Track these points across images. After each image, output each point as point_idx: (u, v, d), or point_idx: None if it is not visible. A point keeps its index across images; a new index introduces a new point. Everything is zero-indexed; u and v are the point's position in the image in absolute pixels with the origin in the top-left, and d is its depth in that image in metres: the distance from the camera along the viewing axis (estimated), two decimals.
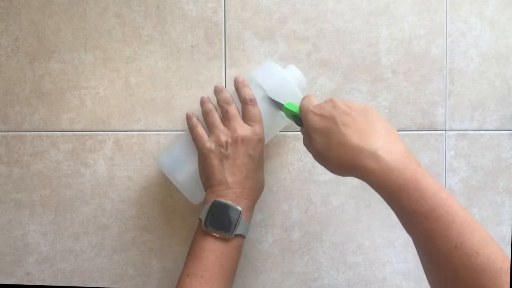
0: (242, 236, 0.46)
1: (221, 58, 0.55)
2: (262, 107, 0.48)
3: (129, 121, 0.56)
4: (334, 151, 0.38)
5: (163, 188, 0.56)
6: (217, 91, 0.50)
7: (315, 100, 0.43)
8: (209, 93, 0.55)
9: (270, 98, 0.48)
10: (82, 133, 0.56)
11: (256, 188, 0.47)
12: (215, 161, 0.46)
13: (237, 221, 0.44)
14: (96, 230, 0.56)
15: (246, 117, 0.47)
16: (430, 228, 0.34)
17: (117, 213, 0.56)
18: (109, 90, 0.56)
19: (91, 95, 0.56)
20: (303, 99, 0.44)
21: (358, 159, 0.36)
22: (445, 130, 0.55)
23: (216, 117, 0.48)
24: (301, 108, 0.43)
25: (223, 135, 0.46)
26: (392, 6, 0.54)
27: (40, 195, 0.56)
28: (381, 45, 0.54)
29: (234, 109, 0.48)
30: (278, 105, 0.48)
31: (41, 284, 0.57)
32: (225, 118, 0.48)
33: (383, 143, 0.36)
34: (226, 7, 0.55)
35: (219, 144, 0.46)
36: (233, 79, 0.50)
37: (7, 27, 0.56)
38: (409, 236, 0.55)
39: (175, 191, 0.55)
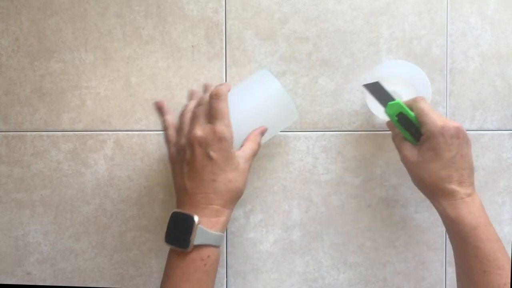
0: (210, 246, 0.42)
1: (221, 58, 0.55)
2: (260, 106, 0.47)
3: (129, 121, 0.56)
4: (433, 179, 0.45)
5: (164, 188, 0.56)
6: (203, 90, 0.50)
7: (442, 116, 0.45)
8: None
9: (382, 87, 0.47)
10: (83, 133, 0.56)
11: (222, 191, 0.43)
12: (176, 166, 0.45)
13: (193, 232, 0.41)
14: (96, 230, 0.56)
15: (210, 115, 0.44)
16: (487, 265, 0.42)
17: (117, 213, 0.56)
18: (110, 90, 0.56)
19: (92, 95, 0.56)
20: (422, 103, 0.45)
21: (447, 197, 0.45)
22: None
23: (185, 118, 0.46)
24: (430, 113, 0.44)
25: (183, 138, 0.44)
26: (393, 6, 0.54)
27: (41, 195, 0.56)
28: (381, 45, 0.54)
29: (200, 110, 0.44)
30: (385, 97, 0.47)
31: (41, 284, 0.57)
32: (190, 118, 0.45)
33: (471, 193, 0.45)
34: (227, 7, 0.55)
35: (179, 147, 0.44)
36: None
37: (8, 27, 0.56)
38: (409, 236, 0.55)
39: None
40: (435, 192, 0.45)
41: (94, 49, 0.56)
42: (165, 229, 0.56)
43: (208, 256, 0.43)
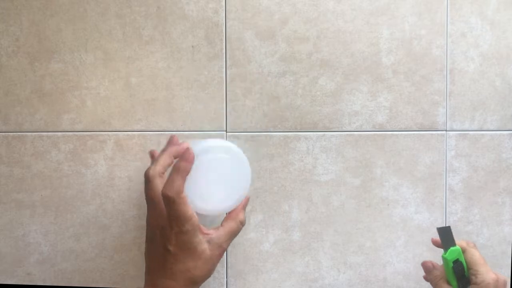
0: None
1: (221, 58, 0.55)
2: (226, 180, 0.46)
3: (129, 121, 0.56)
4: None
5: None
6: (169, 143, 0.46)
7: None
8: (209, 93, 0.55)
9: (450, 232, 0.47)
10: (83, 133, 0.56)
11: (180, 279, 0.42)
12: (147, 248, 0.46)
13: None
14: (97, 230, 0.56)
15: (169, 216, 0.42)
16: None
17: (117, 214, 0.56)
18: (110, 90, 0.56)
19: (92, 96, 0.56)
20: (476, 250, 0.46)
21: None
22: (446, 130, 0.55)
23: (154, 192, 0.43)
24: (482, 267, 0.45)
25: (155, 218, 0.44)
26: (393, 6, 0.54)
27: (41, 195, 0.56)
28: (381, 45, 0.54)
29: (157, 198, 0.43)
30: (450, 242, 0.47)
31: (42, 284, 0.57)
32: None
33: None
34: (227, 7, 0.55)
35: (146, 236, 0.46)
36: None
37: (8, 27, 0.56)
38: (409, 236, 0.55)
39: None
40: None
41: (94, 50, 0.56)
42: None
43: None
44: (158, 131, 0.55)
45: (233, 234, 0.46)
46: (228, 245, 0.45)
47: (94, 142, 0.56)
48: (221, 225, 0.46)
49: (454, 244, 0.46)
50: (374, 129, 0.54)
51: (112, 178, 0.56)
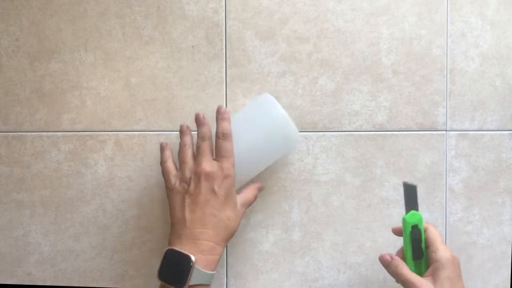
0: (202, 285, 0.43)
1: (221, 58, 0.55)
2: (262, 133, 0.47)
3: (129, 121, 0.56)
4: None
5: (164, 188, 0.55)
6: (197, 123, 0.48)
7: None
8: (209, 93, 0.55)
9: (416, 193, 0.47)
10: (83, 133, 0.56)
11: (220, 228, 0.44)
12: (176, 198, 0.45)
13: (190, 272, 0.41)
14: (96, 230, 0.56)
15: (216, 152, 0.46)
16: None
17: (117, 214, 0.56)
18: (110, 90, 0.56)
19: (92, 96, 0.56)
20: (435, 228, 0.46)
21: None
22: (446, 130, 0.55)
23: (187, 153, 0.47)
24: (439, 245, 0.44)
25: (188, 171, 0.45)
26: (393, 6, 0.54)
27: (41, 195, 0.56)
28: (381, 45, 0.54)
29: (206, 145, 0.46)
30: (412, 203, 0.46)
31: (42, 284, 0.57)
32: (196, 153, 0.46)
33: None
34: (227, 7, 0.55)
35: (183, 180, 0.45)
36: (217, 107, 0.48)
37: (8, 27, 0.56)
38: None
39: None
40: None
41: (94, 50, 0.56)
42: (165, 229, 0.56)
43: None
44: (158, 131, 0.55)
45: (249, 203, 0.49)
46: (244, 212, 0.48)
47: (94, 142, 0.56)
48: (241, 192, 0.49)
49: (416, 208, 0.46)
50: (374, 129, 0.54)
51: (112, 178, 0.56)
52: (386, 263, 0.46)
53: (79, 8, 0.56)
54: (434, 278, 0.43)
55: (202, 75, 0.55)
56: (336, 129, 0.55)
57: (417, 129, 0.54)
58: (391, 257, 0.45)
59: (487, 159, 0.55)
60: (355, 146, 0.55)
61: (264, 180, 0.55)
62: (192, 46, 0.55)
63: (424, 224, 0.46)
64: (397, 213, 0.55)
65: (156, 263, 0.56)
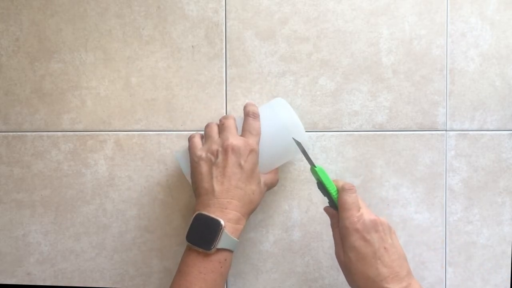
0: (227, 250, 0.44)
1: (221, 58, 0.55)
2: (272, 133, 0.48)
3: (129, 121, 0.56)
4: (363, 280, 0.42)
5: (164, 188, 0.56)
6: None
7: (358, 202, 0.44)
8: (209, 93, 0.55)
9: (304, 149, 0.47)
10: (83, 133, 0.56)
11: (245, 200, 0.46)
12: (204, 169, 0.46)
13: (219, 235, 0.43)
14: (96, 230, 0.56)
15: (244, 128, 0.48)
16: None
17: (117, 213, 0.56)
18: (110, 90, 0.56)
19: (92, 95, 0.56)
20: (348, 195, 0.44)
21: None
22: (446, 130, 0.55)
23: (213, 128, 0.48)
24: (345, 211, 0.44)
25: (215, 144, 0.46)
26: (393, 6, 0.54)
27: (41, 195, 0.57)
28: (381, 45, 0.54)
29: (230, 122, 0.48)
30: (309, 161, 0.47)
31: (42, 284, 0.57)
32: (221, 129, 0.48)
33: (406, 285, 0.42)
34: (227, 7, 0.55)
35: (210, 152, 0.46)
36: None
37: (8, 27, 0.56)
38: (409, 236, 0.55)
39: (176, 191, 0.55)
40: None
41: (94, 50, 0.56)
42: (165, 229, 0.56)
43: (225, 260, 0.44)
44: (158, 131, 0.55)
45: (272, 185, 0.51)
46: (264, 193, 0.49)
47: (94, 142, 0.56)
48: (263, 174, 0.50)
49: (313, 164, 0.46)
50: (374, 129, 0.54)
51: (112, 178, 0.56)
52: (332, 215, 0.47)
53: (79, 8, 0.56)
54: (343, 249, 0.44)
55: (202, 75, 0.55)
56: (336, 129, 0.55)
57: (417, 129, 0.54)
58: (333, 213, 0.47)
59: (487, 159, 0.55)
60: (355, 146, 0.55)
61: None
62: (192, 46, 0.55)
63: (338, 188, 0.45)
64: (397, 213, 0.55)
65: (156, 263, 0.56)
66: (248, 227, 0.55)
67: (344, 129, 0.55)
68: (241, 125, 0.48)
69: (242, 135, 0.47)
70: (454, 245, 0.55)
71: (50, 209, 0.57)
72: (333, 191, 0.46)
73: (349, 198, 0.44)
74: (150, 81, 0.55)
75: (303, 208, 0.55)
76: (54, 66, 0.56)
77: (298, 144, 0.47)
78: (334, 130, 0.55)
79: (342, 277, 0.55)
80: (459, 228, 0.55)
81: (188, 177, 0.49)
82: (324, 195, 0.47)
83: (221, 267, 0.44)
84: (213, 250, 0.43)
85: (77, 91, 0.56)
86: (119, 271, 0.56)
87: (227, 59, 0.55)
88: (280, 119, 0.48)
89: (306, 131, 0.55)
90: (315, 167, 0.46)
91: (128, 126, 0.56)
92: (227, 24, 0.55)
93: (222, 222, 0.43)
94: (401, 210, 0.55)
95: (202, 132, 0.50)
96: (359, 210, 0.44)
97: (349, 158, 0.55)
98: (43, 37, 0.56)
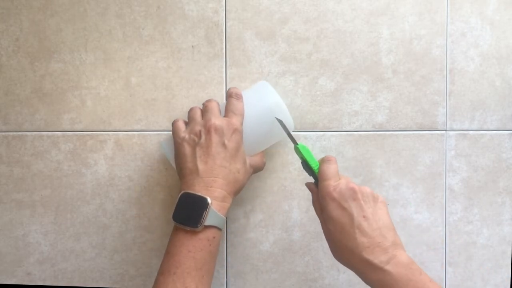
0: (215, 228, 0.44)
1: (221, 58, 0.55)
2: (256, 114, 0.48)
3: (129, 121, 0.56)
4: (344, 252, 0.42)
5: (164, 188, 0.56)
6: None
7: (336, 172, 0.44)
8: (209, 93, 0.55)
9: (287, 130, 0.47)
10: (83, 133, 0.56)
11: (230, 179, 0.45)
12: (187, 150, 0.46)
13: (206, 212, 0.43)
14: (96, 230, 0.56)
15: (227, 109, 0.47)
16: None
17: (117, 213, 0.56)
18: (110, 90, 0.56)
19: (92, 95, 0.56)
20: (326, 165, 0.44)
21: (365, 269, 0.40)
22: (446, 130, 0.55)
23: (196, 111, 0.48)
24: (322, 181, 0.43)
25: (198, 125, 0.46)
26: (393, 6, 0.54)
27: (41, 195, 0.57)
28: (381, 45, 0.54)
29: (213, 104, 0.48)
30: (292, 140, 0.47)
31: (42, 284, 0.57)
32: (204, 111, 0.48)
33: (391, 256, 0.40)
34: (227, 7, 0.55)
35: (193, 133, 0.46)
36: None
37: (8, 27, 0.56)
38: (409, 236, 0.55)
39: (176, 191, 0.55)
40: (351, 265, 0.42)
41: (94, 49, 0.56)
42: (165, 229, 0.56)
43: (214, 237, 0.44)
44: (158, 131, 0.55)
45: (258, 168, 0.51)
46: (250, 174, 0.49)
47: (94, 142, 0.56)
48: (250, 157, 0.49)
49: (295, 142, 0.46)
50: (374, 129, 0.54)
51: (112, 178, 0.56)
52: (312, 191, 0.47)
53: (79, 8, 0.56)
54: (322, 215, 0.44)
55: (202, 75, 0.55)
56: (336, 129, 0.55)
57: (417, 129, 0.54)
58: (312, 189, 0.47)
59: (487, 159, 0.55)
60: (355, 146, 0.55)
61: (264, 180, 0.55)
62: (192, 46, 0.55)
63: (319, 161, 0.46)
64: (397, 213, 0.55)
65: (156, 263, 0.56)
66: (248, 227, 0.55)
67: (344, 129, 0.55)
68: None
69: (225, 116, 0.47)
70: (454, 245, 0.55)
71: (50, 209, 0.57)
72: (315, 167, 0.45)
73: (327, 169, 0.44)
74: (150, 81, 0.55)
75: (303, 208, 0.55)
76: (54, 66, 0.56)
77: (280, 122, 0.47)
78: (334, 130, 0.55)
79: (342, 277, 0.55)
80: (459, 228, 0.55)
81: (173, 162, 0.49)
82: (310, 175, 0.46)
83: (210, 245, 0.44)
84: (200, 227, 0.42)
85: (77, 91, 0.56)
86: (119, 271, 0.56)
87: (227, 59, 0.55)
88: (263, 100, 0.49)
89: (306, 131, 0.55)
90: (298, 145, 0.46)
91: (128, 126, 0.56)
92: (227, 24, 0.55)
93: (209, 199, 0.43)
94: (401, 210, 0.55)
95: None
96: (337, 180, 0.43)
97: (349, 158, 0.55)
98: (43, 37, 0.56)
